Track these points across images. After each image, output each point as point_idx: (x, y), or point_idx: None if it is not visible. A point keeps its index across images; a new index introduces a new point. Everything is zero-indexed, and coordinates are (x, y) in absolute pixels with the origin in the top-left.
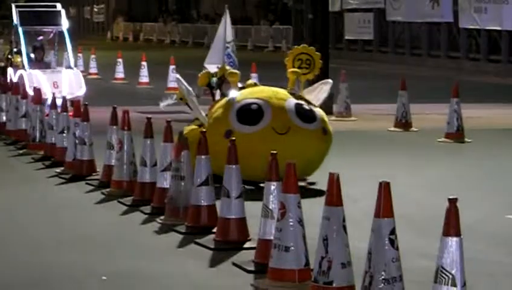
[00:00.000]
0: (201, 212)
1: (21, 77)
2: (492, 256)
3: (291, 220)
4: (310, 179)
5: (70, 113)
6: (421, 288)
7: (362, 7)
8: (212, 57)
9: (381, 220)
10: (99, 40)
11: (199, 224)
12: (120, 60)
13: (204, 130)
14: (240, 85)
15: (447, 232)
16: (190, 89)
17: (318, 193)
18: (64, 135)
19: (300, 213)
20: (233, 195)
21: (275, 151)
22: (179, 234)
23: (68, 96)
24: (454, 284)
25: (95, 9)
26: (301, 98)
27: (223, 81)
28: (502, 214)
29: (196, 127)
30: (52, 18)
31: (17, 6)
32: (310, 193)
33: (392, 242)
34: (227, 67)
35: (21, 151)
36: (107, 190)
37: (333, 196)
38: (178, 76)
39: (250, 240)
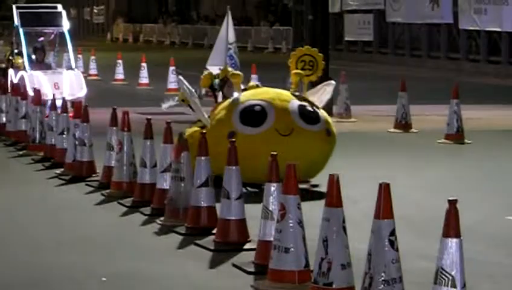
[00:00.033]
0: (201, 213)
1: (22, 78)
2: (492, 257)
3: (291, 221)
4: (313, 181)
5: (71, 114)
6: (420, 289)
7: (362, 8)
8: (214, 58)
9: (381, 221)
10: (99, 41)
11: (199, 225)
12: (120, 61)
13: (205, 131)
14: (242, 87)
15: (446, 234)
16: (192, 90)
17: (320, 195)
18: (64, 136)
19: (300, 214)
20: (233, 196)
21: (275, 153)
22: (179, 235)
23: (69, 98)
24: (454, 286)
25: (95, 11)
26: (304, 99)
27: (225, 83)
28: (502, 215)
29: (198, 128)
30: (53, 19)
31: (17, 8)
32: (312, 194)
33: (392, 243)
34: (230, 69)
35: (21, 153)
36: (107, 191)
37: (333, 197)
38: (180, 77)
39: (250, 241)
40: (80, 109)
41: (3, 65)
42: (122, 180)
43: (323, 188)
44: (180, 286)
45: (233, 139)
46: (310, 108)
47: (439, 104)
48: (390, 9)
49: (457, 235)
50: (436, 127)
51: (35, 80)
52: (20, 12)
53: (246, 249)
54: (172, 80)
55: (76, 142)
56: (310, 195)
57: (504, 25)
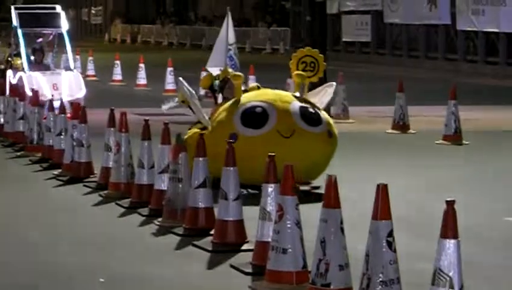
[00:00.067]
0: (199, 214)
1: (21, 79)
2: (489, 258)
3: (289, 222)
4: (315, 183)
5: (69, 115)
6: None
7: (360, 9)
8: (214, 59)
9: (378, 222)
10: (96, 42)
11: (197, 226)
12: (118, 62)
13: (203, 132)
14: (242, 88)
15: (444, 235)
16: (193, 91)
17: (319, 196)
18: (62, 137)
19: (298, 215)
20: (231, 197)
21: (273, 154)
22: (177, 236)
23: (68, 98)
24: (451, 287)
25: (93, 11)
26: (306, 101)
27: (225, 84)
28: (500, 217)
29: (199, 130)
30: (52, 20)
31: (16, 8)
32: (311, 196)
33: (390, 244)
34: (230, 70)
35: (19, 153)
36: (105, 192)
37: (331, 198)
38: (180, 78)
39: (247, 242)
40: (78, 110)
41: (2, 66)
42: (120, 181)
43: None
44: (178, 286)
45: (232, 141)
46: (311, 109)
47: (437, 105)
48: (388, 10)
49: (455, 236)
50: (434, 128)
51: (33, 80)
52: (18, 13)
53: (244, 250)
54: (170, 80)
55: (74, 143)
56: (313, 197)
57: (502, 25)
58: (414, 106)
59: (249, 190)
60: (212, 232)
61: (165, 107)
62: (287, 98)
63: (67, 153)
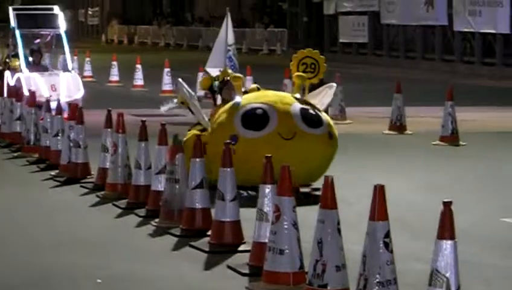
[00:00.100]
0: (196, 215)
1: (19, 80)
2: (486, 259)
3: (285, 223)
4: (315, 184)
5: (66, 116)
6: None
7: (357, 10)
8: (213, 60)
9: (375, 223)
10: (93, 43)
11: (194, 227)
12: (115, 62)
13: (199, 133)
14: (242, 89)
15: (441, 235)
16: (192, 93)
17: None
18: (59, 137)
19: (295, 216)
20: (227, 198)
21: (269, 155)
22: (174, 237)
23: (66, 100)
24: (448, 287)
25: (90, 12)
26: (306, 102)
27: (224, 85)
28: (497, 217)
29: (198, 132)
30: (50, 21)
31: (14, 9)
32: (311, 198)
33: (387, 245)
34: (230, 71)
35: (15, 154)
36: (102, 192)
37: (328, 199)
38: (180, 80)
39: (244, 243)
40: (75, 111)
41: (0, 67)
42: (117, 182)
43: None
44: (175, 287)
45: (228, 141)
46: (312, 111)
47: (434, 106)
48: (385, 11)
49: (452, 237)
50: (431, 129)
51: (32, 82)
52: (16, 14)
53: (241, 250)
54: (167, 81)
55: (71, 144)
56: (313, 199)
57: (499, 26)
58: (411, 106)
59: (249, 192)
60: (209, 233)
61: (164, 108)
62: (287, 99)
63: (64, 154)
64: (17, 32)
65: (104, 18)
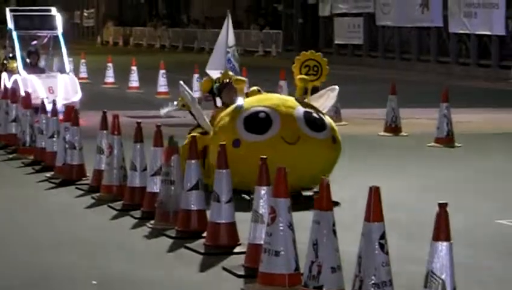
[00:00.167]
0: (191, 216)
1: (16, 82)
2: (482, 261)
3: (281, 224)
4: (317, 188)
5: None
6: None
7: (352, 12)
8: (213, 62)
9: (371, 224)
10: (89, 45)
11: (189, 228)
12: (110, 64)
13: (194, 134)
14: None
15: (437, 237)
16: (194, 95)
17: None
18: (54, 139)
19: (291, 218)
20: (223, 199)
21: (264, 156)
22: (169, 238)
23: (64, 102)
24: (444, 289)
25: (85, 14)
26: (310, 105)
27: (224, 87)
28: (492, 219)
29: (199, 134)
30: (47, 22)
31: (11, 10)
32: (312, 201)
33: (382, 247)
34: (231, 73)
35: (11, 156)
36: (97, 194)
37: (323, 200)
38: (181, 82)
39: (240, 244)
40: (70, 112)
41: None
42: (112, 184)
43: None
44: (170, 289)
45: (223, 142)
46: (315, 115)
47: (429, 107)
48: (380, 12)
49: (448, 238)
50: (426, 130)
51: (29, 83)
52: (13, 16)
53: (236, 252)
54: (163, 83)
55: (67, 146)
56: (304, 198)
57: (494, 28)
58: (406, 108)
59: (252, 196)
60: (204, 234)
61: (163, 111)
62: (290, 103)
63: (60, 156)
64: (14, 34)
65: (100, 20)
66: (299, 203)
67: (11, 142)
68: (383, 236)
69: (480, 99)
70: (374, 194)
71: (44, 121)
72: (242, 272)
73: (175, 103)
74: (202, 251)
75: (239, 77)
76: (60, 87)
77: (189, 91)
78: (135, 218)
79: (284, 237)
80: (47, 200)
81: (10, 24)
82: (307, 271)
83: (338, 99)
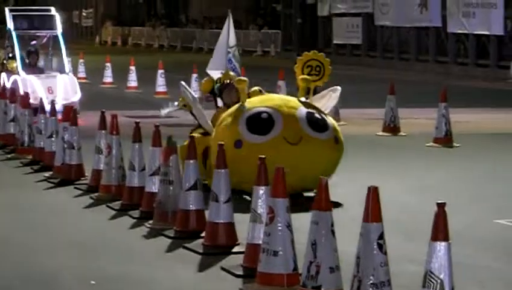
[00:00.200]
0: (190, 216)
1: (15, 82)
2: (480, 261)
3: (279, 224)
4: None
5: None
6: None
7: (350, 12)
8: (214, 62)
9: (369, 224)
10: (87, 45)
11: (188, 228)
12: (108, 64)
13: (193, 135)
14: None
15: (435, 237)
16: (196, 96)
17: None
18: (53, 139)
19: (289, 218)
20: (221, 199)
21: (263, 156)
22: (168, 238)
23: (63, 102)
24: (442, 289)
25: (84, 14)
26: (312, 106)
27: (224, 88)
28: (491, 219)
29: (200, 135)
30: (46, 22)
31: (11, 10)
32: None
33: (381, 247)
34: (232, 74)
35: (9, 156)
36: (96, 194)
37: (322, 200)
38: (183, 83)
39: (238, 244)
40: (69, 112)
41: None
42: (111, 184)
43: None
44: (169, 289)
45: (222, 143)
46: (317, 115)
47: (428, 107)
48: (378, 12)
49: (446, 238)
50: (425, 130)
51: (28, 84)
52: (13, 16)
53: (235, 252)
54: (161, 83)
55: (65, 146)
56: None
57: (492, 28)
58: (405, 108)
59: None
60: (203, 234)
61: (164, 112)
62: (293, 103)
63: (58, 156)
64: (14, 34)
65: (98, 19)
66: (299, 203)
67: (10, 142)
68: (381, 236)
69: (479, 99)
70: (373, 194)
71: (43, 121)
72: (240, 272)
73: (176, 103)
74: (201, 250)
75: (241, 77)
76: (59, 87)
77: (191, 91)
78: (134, 218)
79: (282, 237)
80: (45, 200)
81: (9, 24)
82: (305, 271)
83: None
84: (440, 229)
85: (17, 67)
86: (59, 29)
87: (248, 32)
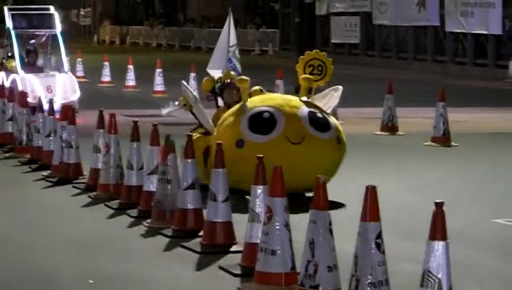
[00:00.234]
0: (188, 215)
1: (14, 81)
2: (479, 260)
3: (277, 223)
4: None
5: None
6: None
7: (348, 11)
8: (215, 62)
9: (367, 223)
10: (85, 44)
11: (186, 227)
12: (107, 63)
13: (190, 134)
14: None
15: (433, 236)
16: (197, 96)
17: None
18: (51, 138)
19: (287, 217)
20: (219, 199)
21: (261, 155)
22: (166, 237)
23: (62, 101)
24: (440, 288)
25: (82, 13)
26: (314, 105)
27: (225, 87)
28: (489, 218)
29: (201, 135)
30: (45, 21)
31: (9, 9)
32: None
33: (379, 246)
34: (233, 73)
35: (7, 155)
36: (94, 193)
37: (320, 199)
38: (183, 82)
39: (236, 243)
40: (67, 111)
41: None
42: (109, 183)
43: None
44: (167, 288)
45: (220, 142)
46: (320, 115)
47: (426, 106)
48: (376, 11)
49: (444, 238)
50: (423, 129)
51: (27, 83)
52: (12, 14)
53: (233, 251)
54: (159, 82)
55: (63, 144)
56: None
57: (490, 27)
58: (403, 107)
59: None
60: (200, 233)
61: (165, 112)
62: (294, 103)
63: (56, 155)
64: (13, 33)
65: (96, 18)
66: (302, 203)
67: (8, 141)
68: (379, 235)
69: (477, 99)
70: (371, 193)
71: (41, 120)
72: (238, 271)
73: (176, 102)
74: (199, 249)
75: (242, 77)
76: (58, 86)
77: (192, 90)
78: (132, 217)
79: (280, 236)
80: (44, 199)
81: (8, 23)
82: (303, 270)
83: None
84: (438, 229)
85: (16, 66)
86: (58, 28)
87: (246, 31)
